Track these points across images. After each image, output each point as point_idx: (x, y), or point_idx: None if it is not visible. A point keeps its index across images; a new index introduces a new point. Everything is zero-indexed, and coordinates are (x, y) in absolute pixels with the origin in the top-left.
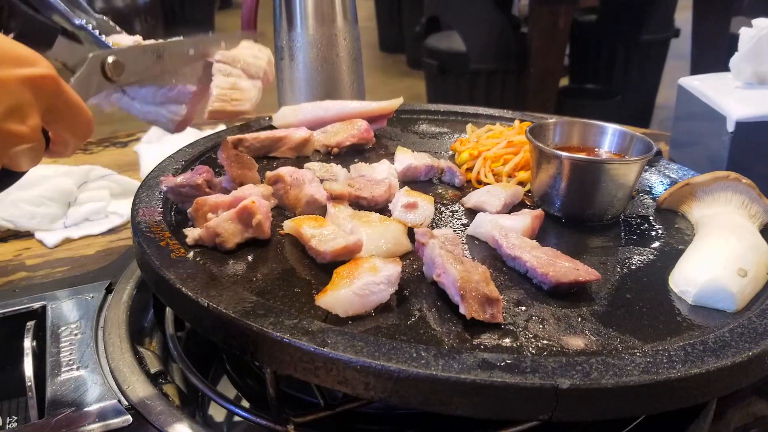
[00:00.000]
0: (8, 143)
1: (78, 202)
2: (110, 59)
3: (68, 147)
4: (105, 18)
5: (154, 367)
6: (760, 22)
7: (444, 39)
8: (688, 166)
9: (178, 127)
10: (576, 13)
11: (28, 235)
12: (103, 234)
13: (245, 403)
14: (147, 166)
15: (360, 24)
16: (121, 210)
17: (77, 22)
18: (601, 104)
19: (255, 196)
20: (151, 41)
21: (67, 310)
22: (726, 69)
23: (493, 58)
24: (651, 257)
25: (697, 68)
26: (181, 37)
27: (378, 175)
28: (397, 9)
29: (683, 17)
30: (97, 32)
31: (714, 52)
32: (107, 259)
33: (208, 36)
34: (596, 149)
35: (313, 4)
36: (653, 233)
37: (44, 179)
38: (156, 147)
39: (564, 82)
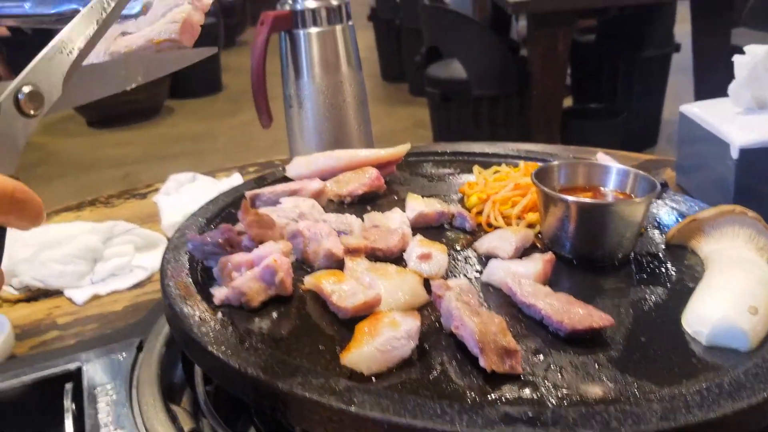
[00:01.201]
0: None
1: (104, 258)
2: (26, 90)
3: (22, 228)
4: None
5: (187, 425)
6: (752, 49)
7: (445, 67)
8: (695, 191)
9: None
10: (575, 34)
11: (57, 293)
12: (129, 289)
13: None
14: (167, 217)
15: (361, 55)
16: (146, 263)
17: None
18: (607, 123)
19: (276, 253)
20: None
21: (101, 370)
22: (731, 84)
23: (494, 83)
24: (663, 297)
25: (700, 82)
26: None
27: (391, 224)
28: (397, 39)
29: (683, 30)
30: None
31: (716, 65)
32: (135, 315)
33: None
34: (601, 189)
35: (318, 54)
36: (664, 271)
37: (70, 238)
38: (175, 198)
39: (568, 102)
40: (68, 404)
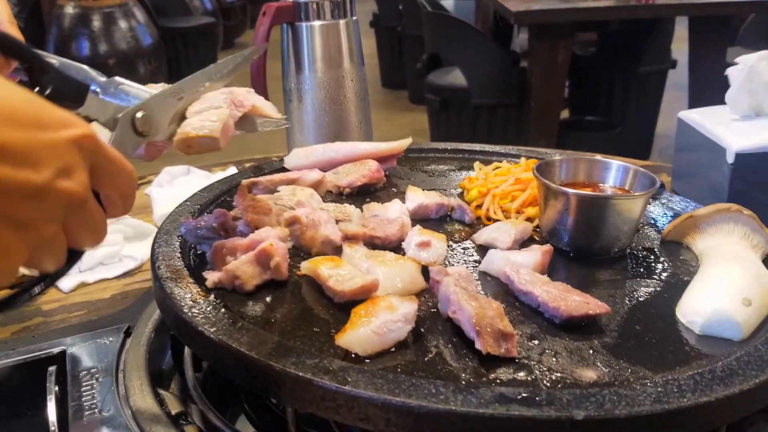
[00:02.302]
0: (62, 201)
1: None
2: (139, 115)
3: (117, 205)
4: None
5: (175, 408)
6: (743, 59)
7: (445, 75)
8: (690, 197)
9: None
10: (575, 47)
11: None
12: (117, 278)
13: None
14: (159, 209)
15: None
16: (135, 253)
17: (102, 78)
18: (602, 135)
19: (272, 238)
20: (165, 85)
21: (87, 354)
22: (724, 100)
23: (494, 92)
24: (658, 289)
25: (695, 98)
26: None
27: (390, 214)
28: (398, 46)
29: (680, 48)
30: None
31: (711, 83)
32: (123, 303)
33: (218, 64)
34: (601, 185)
35: (321, 48)
36: (659, 265)
37: None
38: (167, 190)
39: (565, 114)
40: (51, 387)
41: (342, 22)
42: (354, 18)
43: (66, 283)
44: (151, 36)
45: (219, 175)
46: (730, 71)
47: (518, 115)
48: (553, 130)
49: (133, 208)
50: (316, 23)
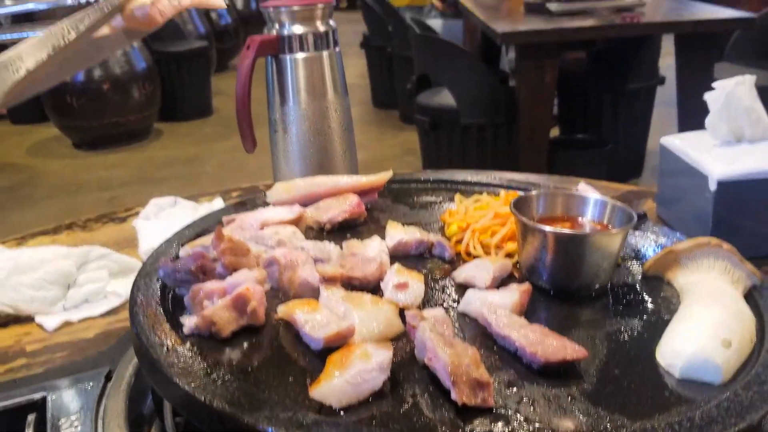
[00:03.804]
0: None
1: (77, 284)
2: None
3: None
4: None
5: None
6: (720, 84)
7: (434, 95)
8: (674, 223)
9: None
10: (563, 65)
11: (28, 319)
12: (102, 315)
13: None
14: (145, 242)
15: (353, 81)
16: (120, 289)
17: None
18: (593, 153)
19: (249, 282)
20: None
21: (67, 400)
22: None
23: (483, 112)
24: (638, 329)
25: (684, 115)
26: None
27: (369, 252)
28: (389, 67)
29: (667, 64)
30: None
31: (700, 99)
32: (107, 342)
33: None
34: (580, 219)
35: (304, 79)
36: (640, 303)
37: (44, 262)
38: (154, 223)
39: (555, 132)
40: None
41: (325, 53)
42: (337, 49)
43: (50, 322)
44: (144, 60)
45: (205, 206)
46: (707, 96)
47: (508, 135)
48: (542, 149)
49: (119, 243)
50: (300, 55)
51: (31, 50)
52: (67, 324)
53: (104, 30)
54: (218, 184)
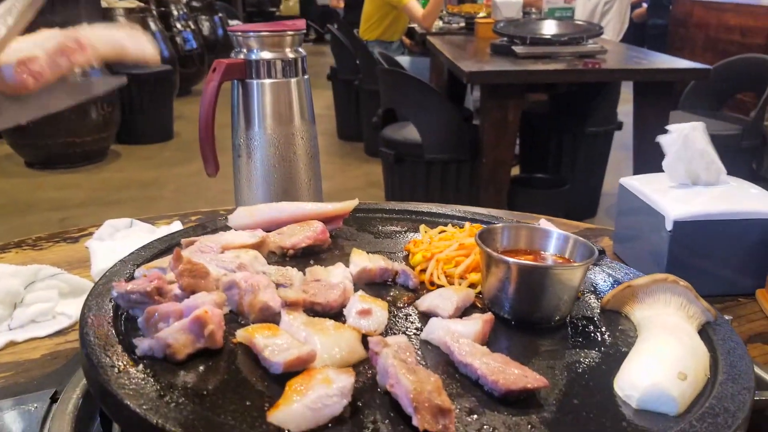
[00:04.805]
0: None
1: (24, 303)
2: None
3: None
4: None
5: None
6: (676, 128)
7: (400, 130)
8: (631, 261)
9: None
10: (525, 106)
11: None
12: (50, 336)
13: None
14: (98, 263)
15: (320, 112)
16: (69, 311)
17: None
18: (551, 193)
19: (208, 304)
20: None
21: (9, 422)
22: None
23: (447, 148)
24: (597, 360)
25: (639, 160)
26: None
27: (333, 278)
28: (355, 100)
29: (625, 110)
30: None
31: (655, 145)
32: (54, 364)
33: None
34: (542, 252)
35: (271, 106)
36: (598, 335)
37: None
38: (108, 244)
39: (516, 171)
40: None
41: (293, 80)
42: (305, 77)
43: None
44: None
45: (163, 229)
46: (661, 140)
47: (470, 171)
48: (503, 186)
49: (71, 263)
50: (267, 81)
51: None
52: (11, 344)
53: None
54: (176, 209)
